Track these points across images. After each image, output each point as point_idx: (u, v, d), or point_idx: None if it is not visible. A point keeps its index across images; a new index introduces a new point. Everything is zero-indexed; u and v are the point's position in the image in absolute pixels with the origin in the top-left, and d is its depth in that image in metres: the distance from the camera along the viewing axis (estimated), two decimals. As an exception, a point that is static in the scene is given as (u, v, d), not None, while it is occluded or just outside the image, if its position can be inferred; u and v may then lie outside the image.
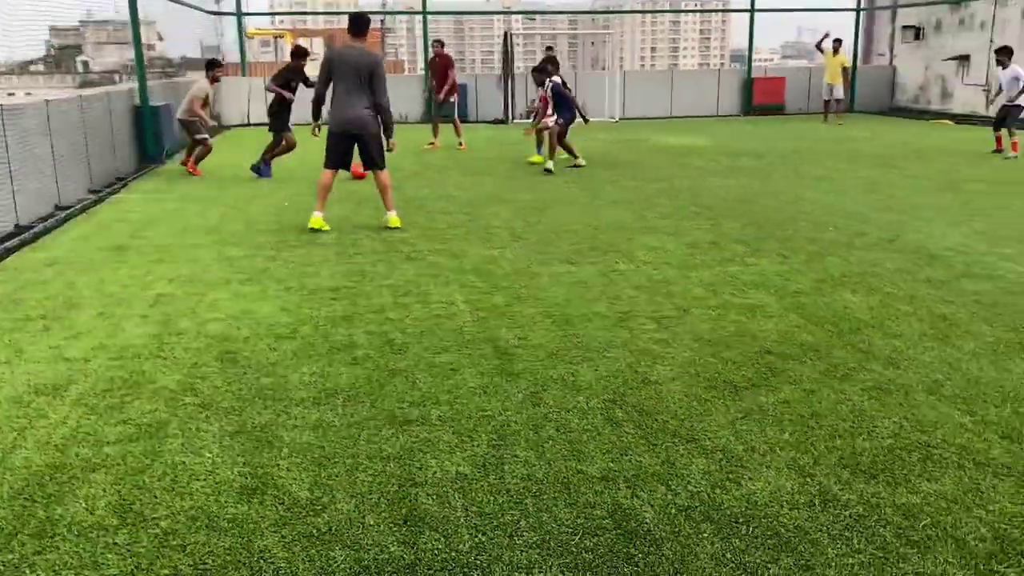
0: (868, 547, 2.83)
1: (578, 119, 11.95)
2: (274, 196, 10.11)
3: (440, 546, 2.86)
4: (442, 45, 15.69)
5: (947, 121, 20.70)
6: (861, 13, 25.00)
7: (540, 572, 2.72)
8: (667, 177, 11.50)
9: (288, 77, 11.46)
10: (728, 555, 2.80)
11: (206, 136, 12.00)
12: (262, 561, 2.78)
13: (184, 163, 12.16)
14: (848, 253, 6.95)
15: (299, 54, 11.84)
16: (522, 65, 28.06)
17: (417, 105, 21.44)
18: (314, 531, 2.95)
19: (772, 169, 12.24)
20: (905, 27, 24.06)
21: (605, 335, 4.97)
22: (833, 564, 2.74)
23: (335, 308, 5.55)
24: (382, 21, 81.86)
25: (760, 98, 23.57)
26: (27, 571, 2.73)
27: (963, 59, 21.96)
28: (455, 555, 2.81)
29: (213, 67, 12.07)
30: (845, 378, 4.29)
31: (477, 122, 21.17)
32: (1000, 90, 14.34)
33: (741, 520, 3.00)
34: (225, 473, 3.37)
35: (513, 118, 21.61)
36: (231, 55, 23.14)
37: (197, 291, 5.96)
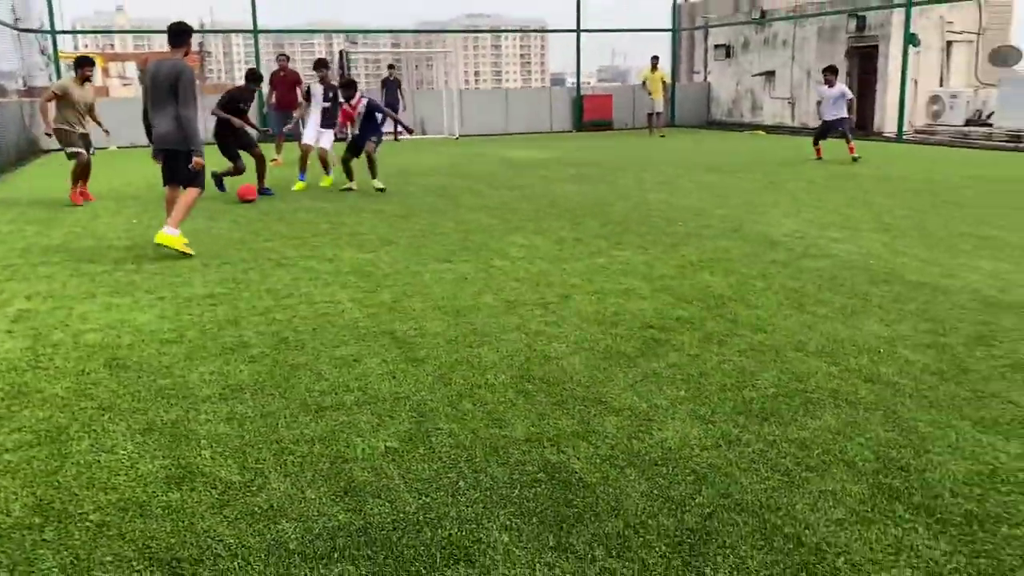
0: (774, 475, 3.16)
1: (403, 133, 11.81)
2: (121, 214, 9.63)
3: (386, 510, 2.94)
4: (288, 59, 15.45)
5: (760, 132, 22.50)
6: (678, 33, 26.75)
7: (488, 522, 2.85)
8: (520, 185, 11.89)
9: (236, 99, 10.69)
10: (656, 492, 3.04)
11: (77, 150, 10.32)
12: (209, 539, 2.75)
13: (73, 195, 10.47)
14: (700, 243, 7.51)
15: (253, 79, 11.22)
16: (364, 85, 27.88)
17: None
18: (255, 509, 2.95)
19: (615, 176, 12.91)
20: (717, 46, 25.96)
21: (498, 321, 5.16)
22: (748, 491, 3.04)
23: (217, 312, 5.43)
24: (200, 44, 79.00)
25: (590, 115, 24.70)
26: (-48, 575, 2.57)
27: (769, 75, 23.97)
28: (403, 516, 2.90)
29: (81, 65, 10.48)
30: (722, 343, 4.69)
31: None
32: (819, 104, 15.29)
33: (660, 463, 3.26)
34: (146, 466, 3.28)
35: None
36: (38, 78, 21.48)
37: (62, 305, 5.65)
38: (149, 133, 7.48)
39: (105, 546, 2.73)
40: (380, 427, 3.63)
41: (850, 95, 15.08)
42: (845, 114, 14.84)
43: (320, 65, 12.18)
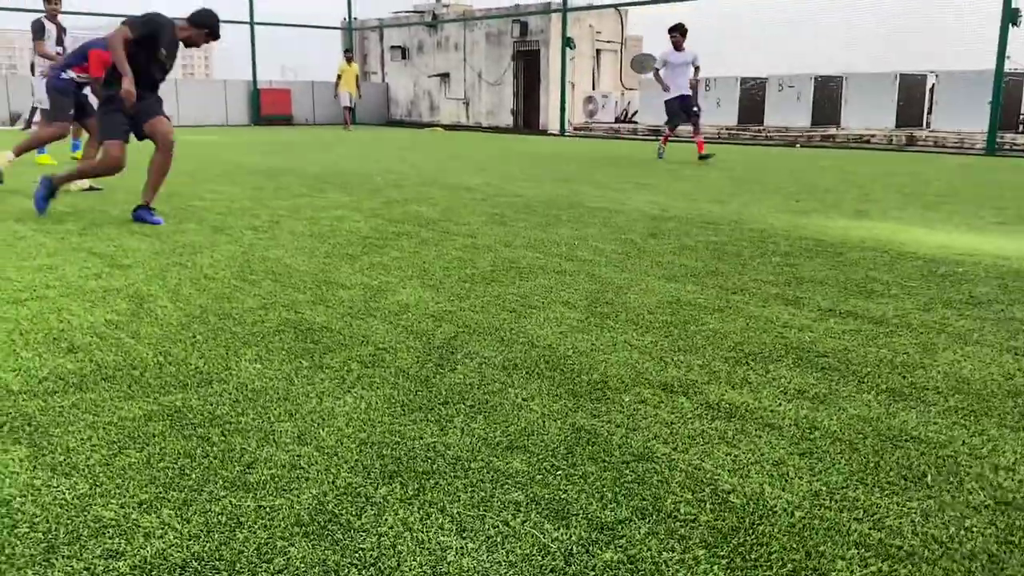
0: (503, 312, 3.44)
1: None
2: None
3: (119, 359, 2.76)
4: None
5: (439, 128, 23.48)
6: (351, 32, 27.07)
7: (236, 357, 2.80)
8: (204, 162, 11.34)
9: None
10: (400, 328, 3.17)
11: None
12: (-94, 393, 2.40)
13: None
14: (401, 191, 7.76)
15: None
16: None
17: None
18: (-40, 369, 2.62)
19: (308, 152, 12.81)
20: (393, 47, 26.65)
21: (208, 239, 4.96)
22: (483, 323, 3.28)
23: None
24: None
25: (268, 109, 24.14)
26: None
27: (444, 76, 25.11)
28: (138, 360, 2.74)
29: None
30: (438, 245, 4.94)
31: None
32: (657, 72, 12.01)
33: (399, 312, 3.40)
34: None
35: None
36: None
37: None
38: None
39: None
40: (95, 308, 3.37)
41: (699, 62, 11.81)
42: (687, 91, 11.77)
43: None
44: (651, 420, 2.31)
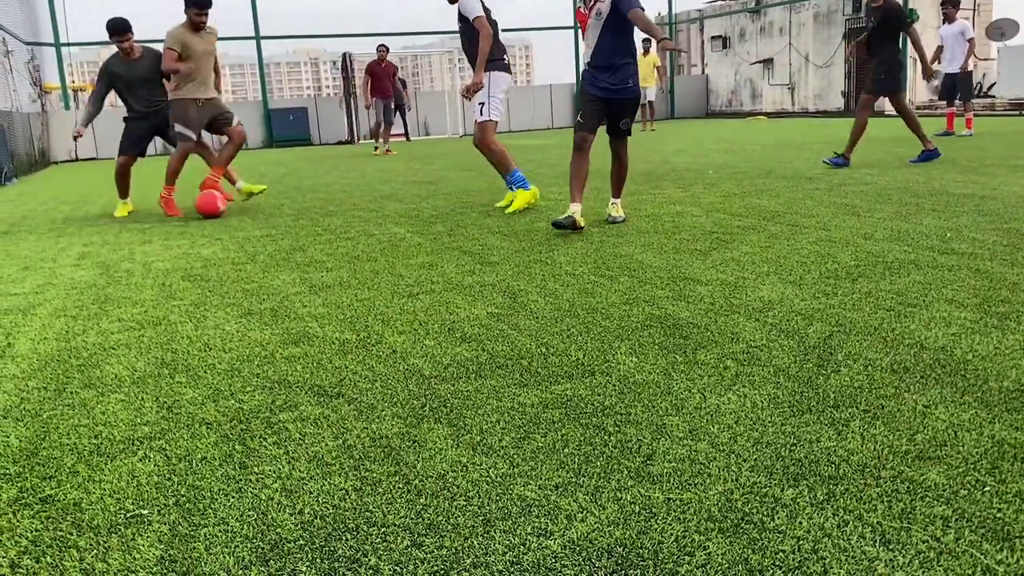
0: (879, 311, 3.21)
1: None
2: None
3: (506, 349, 2.98)
4: (387, 51, 15.55)
5: (762, 117, 22.66)
6: (673, 27, 27.00)
7: (613, 350, 2.90)
8: (535, 165, 11.96)
9: None
10: (769, 327, 3.09)
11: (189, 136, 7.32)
12: (344, 372, 2.79)
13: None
14: (735, 184, 7.59)
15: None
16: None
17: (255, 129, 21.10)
18: (380, 354, 2.99)
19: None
20: (713, 37, 26.19)
21: (561, 236, 5.23)
22: (859, 321, 3.09)
23: (280, 244, 5.48)
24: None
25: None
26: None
27: (767, 62, 24.19)
28: (525, 350, 2.93)
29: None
30: (790, 239, 4.75)
31: (323, 144, 21.03)
32: (938, 55, 12.12)
33: (775, 305, 3.31)
34: (257, 335, 3.32)
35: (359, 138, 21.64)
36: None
37: (121, 247, 5.69)
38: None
39: (240, 380, 2.77)
40: (476, 302, 3.68)
41: (971, 33, 11.81)
42: (969, 66, 11.69)
43: None
44: (1091, 437, 2.02)
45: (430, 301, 3.74)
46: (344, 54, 22.13)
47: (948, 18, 11.91)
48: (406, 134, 20.06)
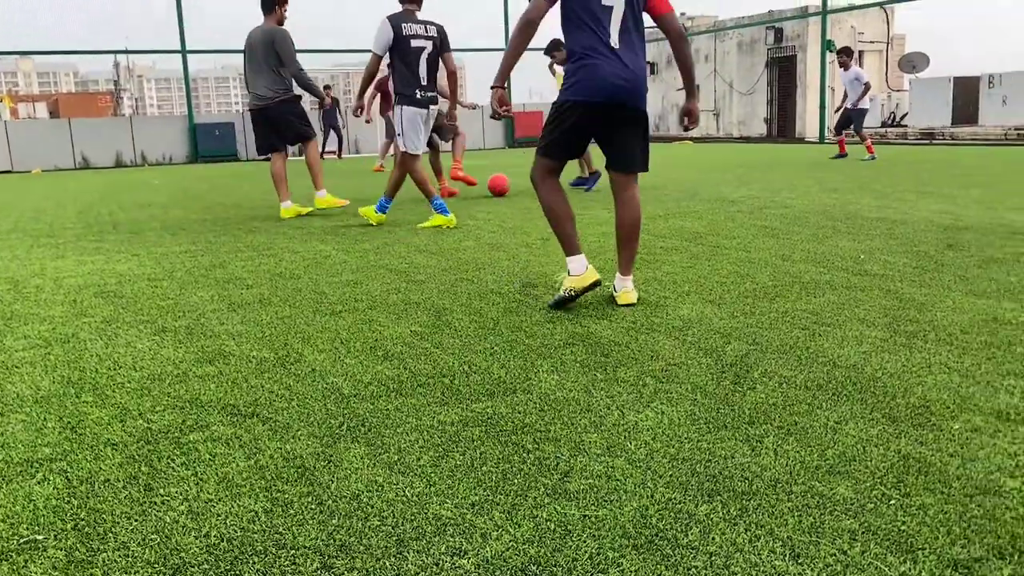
0: (794, 330, 3.29)
1: None
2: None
3: (427, 368, 2.95)
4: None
5: (688, 142, 23.19)
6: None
7: (534, 369, 2.90)
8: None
9: None
10: (687, 344, 3.13)
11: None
12: (260, 392, 2.72)
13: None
14: (659, 206, 7.73)
15: None
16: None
17: (181, 146, 20.63)
18: (299, 372, 2.93)
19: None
20: (642, 63, 26.67)
21: (487, 256, 5.21)
22: (775, 339, 3.16)
23: (200, 260, 5.33)
24: (115, 82, 77.03)
25: (521, 132, 25.06)
26: None
27: (694, 89, 24.76)
28: (445, 368, 2.91)
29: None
30: (711, 259, 4.85)
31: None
32: (844, 95, 13.91)
33: (694, 324, 3.36)
34: (171, 352, 3.22)
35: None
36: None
37: (32, 262, 5.47)
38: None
39: (150, 399, 2.67)
40: (400, 320, 3.64)
41: (866, 78, 13.65)
42: (863, 104, 13.62)
43: None
44: (990, 450, 2.09)
45: (353, 319, 3.69)
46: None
47: (844, 66, 13.69)
48: (339, 151, 19.93)
